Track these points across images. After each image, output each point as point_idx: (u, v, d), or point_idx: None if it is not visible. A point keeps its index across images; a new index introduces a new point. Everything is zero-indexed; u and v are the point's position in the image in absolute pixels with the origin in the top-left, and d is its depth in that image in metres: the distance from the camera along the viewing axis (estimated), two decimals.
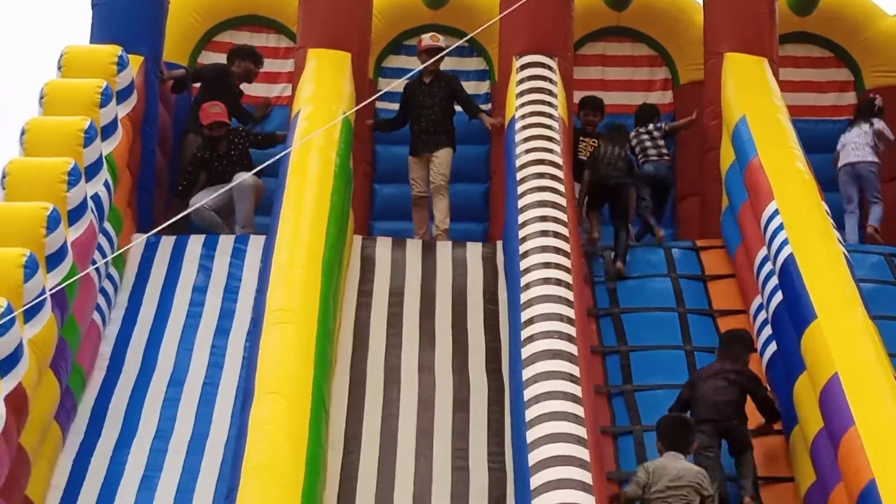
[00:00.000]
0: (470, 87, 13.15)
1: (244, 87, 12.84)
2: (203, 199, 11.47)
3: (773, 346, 9.97)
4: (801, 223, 10.00)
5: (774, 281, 9.92)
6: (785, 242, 9.80)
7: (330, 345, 9.49)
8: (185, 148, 12.51)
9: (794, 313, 9.37)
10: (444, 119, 12.05)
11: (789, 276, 9.59)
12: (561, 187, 10.54)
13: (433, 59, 11.71)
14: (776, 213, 10.13)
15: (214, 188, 11.45)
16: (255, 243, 11.16)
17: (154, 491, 9.08)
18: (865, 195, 12.11)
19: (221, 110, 12.11)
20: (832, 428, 8.39)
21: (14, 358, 8.46)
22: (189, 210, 10.77)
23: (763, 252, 10.25)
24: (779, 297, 9.80)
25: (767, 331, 10.09)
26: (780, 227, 9.96)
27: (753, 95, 11.57)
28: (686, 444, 8.69)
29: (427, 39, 12.28)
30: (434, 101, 12.08)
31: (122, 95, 11.32)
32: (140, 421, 9.62)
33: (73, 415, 9.60)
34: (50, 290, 8.95)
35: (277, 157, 10.21)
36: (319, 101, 11.42)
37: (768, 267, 10.11)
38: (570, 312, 9.27)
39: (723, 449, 9.16)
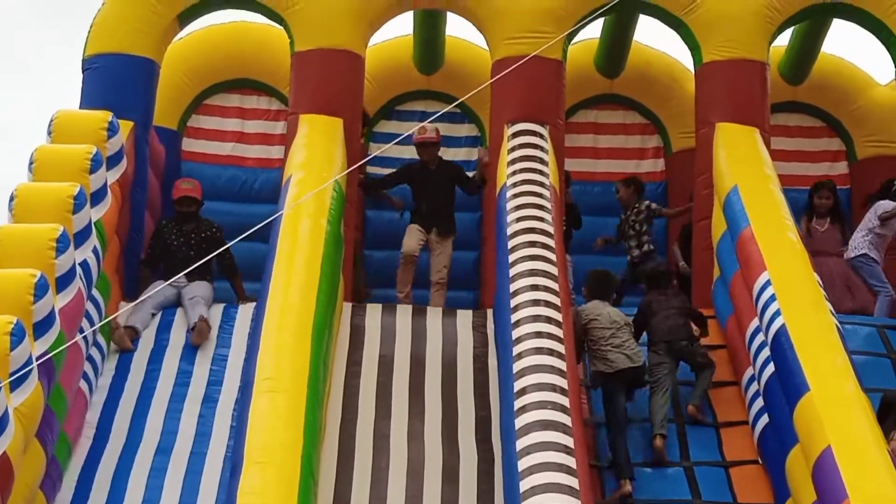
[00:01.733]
0: (461, 153, 13.17)
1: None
2: (141, 308, 10.98)
3: (764, 419, 9.91)
4: (793, 294, 9.96)
5: (766, 352, 9.87)
6: (777, 313, 9.75)
7: (319, 413, 9.40)
8: None
9: (787, 385, 9.32)
10: (447, 203, 12.15)
11: (781, 347, 9.54)
12: (552, 256, 10.50)
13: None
14: (768, 283, 10.09)
15: (169, 277, 10.96)
16: (245, 311, 11.11)
17: None
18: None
19: (194, 186, 11.90)
20: (825, 501, 8.32)
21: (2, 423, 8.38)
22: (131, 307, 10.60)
23: (755, 323, 10.20)
24: (771, 368, 9.75)
25: (759, 402, 10.04)
26: (773, 298, 9.91)
27: (745, 165, 11.56)
28: (608, 293, 10.76)
29: (417, 133, 12.33)
30: (439, 186, 12.14)
31: (112, 161, 11.28)
32: (126, 491, 9.52)
33: (59, 484, 9.50)
34: (37, 358, 8.87)
35: (267, 221, 10.19)
36: (311, 168, 11.39)
37: (760, 338, 10.06)
38: (564, 383, 9.21)
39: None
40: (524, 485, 8.42)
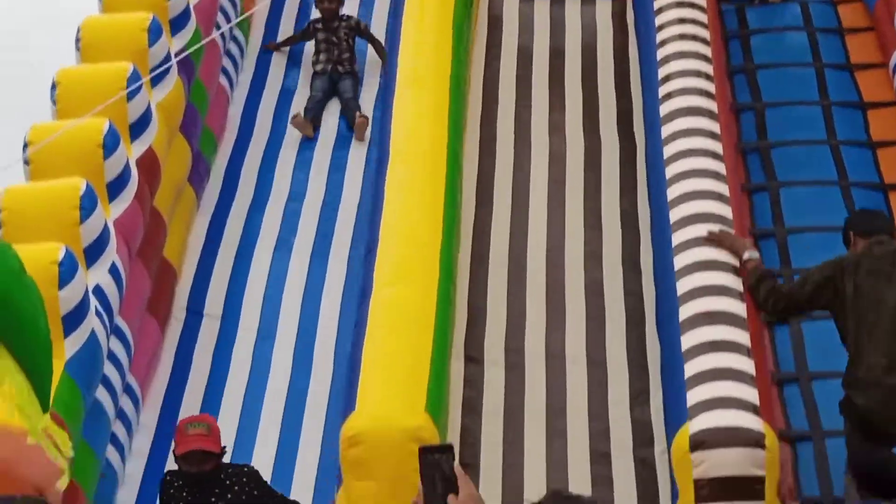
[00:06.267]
0: None
1: None
2: None
3: None
4: None
5: None
6: None
7: (462, 106, 9.39)
8: None
9: None
10: None
11: None
12: None
13: None
14: None
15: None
16: (381, 2, 11.01)
17: (290, 251, 9.14)
18: None
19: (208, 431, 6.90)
20: None
21: (143, 122, 8.48)
22: None
23: None
24: None
25: None
26: None
27: None
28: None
29: None
30: None
31: None
32: (273, 183, 9.64)
33: (207, 178, 9.64)
34: (175, 54, 8.91)
35: None
36: None
37: None
38: (709, 68, 9.02)
39: None
40: (670, 171, 8.35)
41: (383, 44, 10.43)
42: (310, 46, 10.57)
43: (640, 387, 7.95)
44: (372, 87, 10.39)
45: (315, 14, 10.65)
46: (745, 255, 7.57)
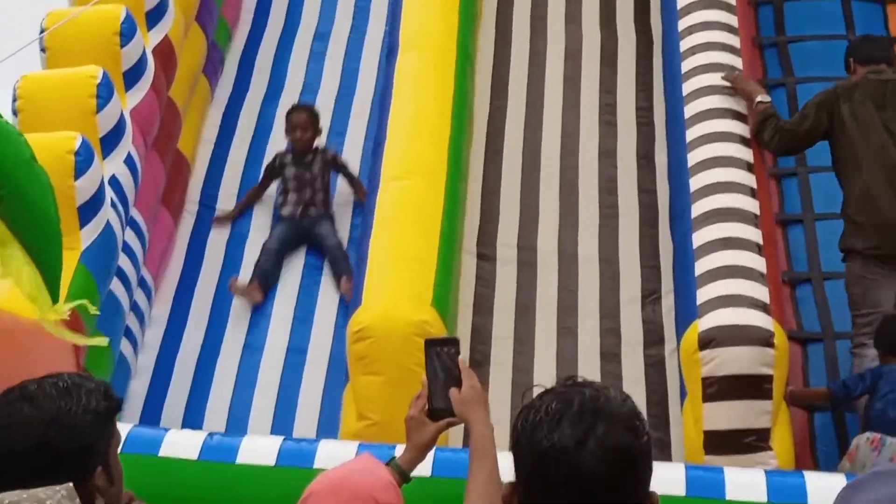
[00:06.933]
0: None
1: None
2: None
3: None
4: None
5: None
6: None
7: None
8: None
9: None
10: None
11: None
12: None
13: None
14: None
15: None
16: None
17: None
18: None
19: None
20: None
21: (160, 9, 8.43)
22: None
23: None
24: None
25: None
26: None
27: None
28: None
29: None
30: None
31: None
32: (286, 76, 9.59)
33: (221, 68, 9.60)
34: None
35: None
36: None
37: None
38: None
39: None
40: (686, 65, 8.29)
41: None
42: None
43: (651, 286, 7.96)
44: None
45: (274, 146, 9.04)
46: (758, 98, 7.69)
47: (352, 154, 8.96)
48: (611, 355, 7.63)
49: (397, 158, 7.81)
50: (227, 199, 8.81)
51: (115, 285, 7.42)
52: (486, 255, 8.19)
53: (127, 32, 7.85)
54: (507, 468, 3.01)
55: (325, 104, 9.30)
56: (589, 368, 7.49)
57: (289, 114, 8.73)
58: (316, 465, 5.52)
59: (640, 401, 7.37)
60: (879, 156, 7.21)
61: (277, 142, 8.99)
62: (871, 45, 7.66)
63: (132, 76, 7.95)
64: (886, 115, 7.25)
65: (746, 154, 7.64)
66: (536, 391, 2.98)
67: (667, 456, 7.06)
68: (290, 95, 9.38)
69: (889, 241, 7.11)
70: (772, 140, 7.53)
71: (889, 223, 7.12)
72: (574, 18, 9.78)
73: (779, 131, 7.50)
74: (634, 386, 7.40)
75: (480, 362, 7.53)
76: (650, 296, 7.93)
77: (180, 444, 5.74)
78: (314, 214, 8.48)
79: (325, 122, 9.03)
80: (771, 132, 7.51)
